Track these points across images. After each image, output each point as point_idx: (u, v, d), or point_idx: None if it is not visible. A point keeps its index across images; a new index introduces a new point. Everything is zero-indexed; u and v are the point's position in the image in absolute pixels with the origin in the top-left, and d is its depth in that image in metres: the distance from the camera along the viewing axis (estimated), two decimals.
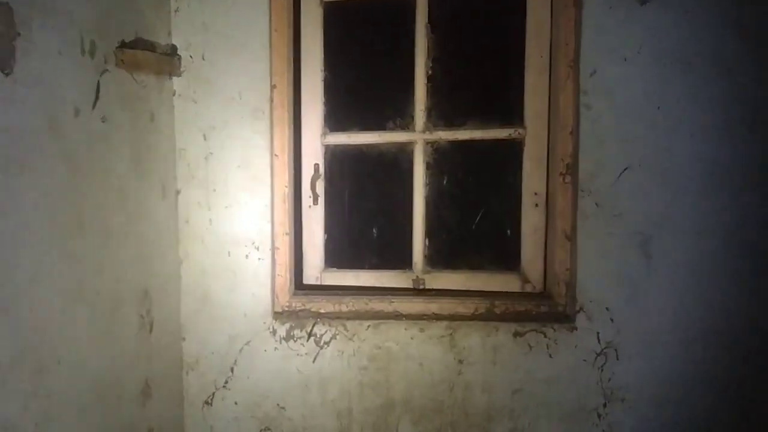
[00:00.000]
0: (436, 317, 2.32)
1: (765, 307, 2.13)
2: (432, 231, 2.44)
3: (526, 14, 2.31)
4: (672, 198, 2.16)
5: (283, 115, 2.34)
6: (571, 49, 2.21)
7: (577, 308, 2.24)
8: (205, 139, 2.32)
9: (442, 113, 2.42)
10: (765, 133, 2.10)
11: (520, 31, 2.33)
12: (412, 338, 2.33)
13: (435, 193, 2.44)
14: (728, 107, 2.11)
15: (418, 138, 2.41)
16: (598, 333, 2.23)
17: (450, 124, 2.41)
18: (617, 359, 2.22)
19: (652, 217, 2.17)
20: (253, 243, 2.34)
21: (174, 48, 2.28)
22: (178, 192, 2.35)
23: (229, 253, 2.35)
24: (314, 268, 2.50)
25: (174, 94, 2.31)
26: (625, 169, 2.19)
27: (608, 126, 2.19)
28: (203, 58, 2.30)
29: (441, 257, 2.45)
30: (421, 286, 2.44)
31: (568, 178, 2.24)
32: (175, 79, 2.30)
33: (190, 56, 2.30)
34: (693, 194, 2.14)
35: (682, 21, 2.12)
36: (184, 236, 2.35)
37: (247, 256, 2.34)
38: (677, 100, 2.14)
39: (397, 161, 2.46)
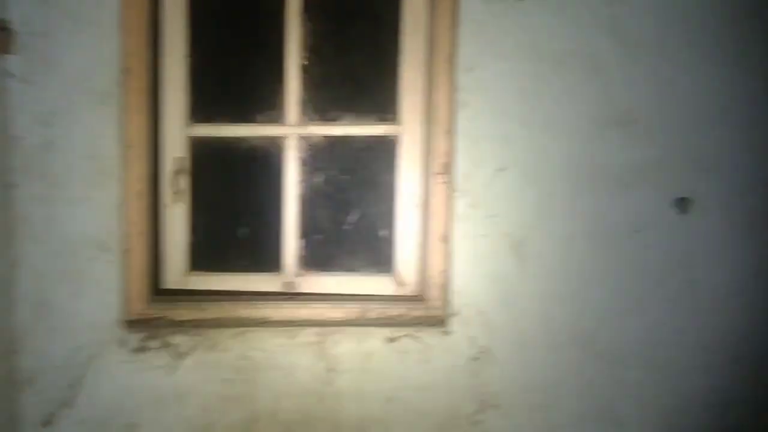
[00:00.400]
0: (307, 323, 2.18)
1: (632, 311, 2.14)
2: (305, 231, 2.29)
3: (403, 5, 2.21)
4: (545, 199, 2.13)
5: (138, 102, 2.11)
6: (447, 44, 2.14)
7: (452, 312, 2.16)
8: (45, 125, 2.05)
9: (318, 106, 2.27)
10: (636, 135, 2.11)
11: (397, 22, 2.23)
12: (280, 346, 2.17)
13: (309, 191, 2.29)
14: (601, 107, 2.11)
15: (291, 132, 2.25)
16: (472, 337, 2.16)
17: (325, 118, 2.27)
18: (491, 364, 2.16)
19: (526, 219, 2.13)
20: (101, 244, 2.10)
21: (4, 22, 2.00)
22: (11, 186, 2.06)
23: (72, 255, 2.09)
24: (176, 272, 2.28)
25: (7, 74, 2.03)
26: (500, 170, 2.13)
27: (484, 125, 2.13)
28: (43, 35, 2.03)
29: (315, 259, 2.31)
30: (294, 290, 2.28)
31: (443, 178, 2.17)
32: (8, 57, 2.02)
33: (28, 32, 2.03)
34: (565, 195, 2.12)
35: (557, 18, 2.10)
36: (19, 236, 2.07)
37: (93, 258, 2.10)
38: (552, 99, 2.11)
39: (269, 156, 2.29)
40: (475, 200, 2.14)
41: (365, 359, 2.17)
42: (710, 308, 2.12)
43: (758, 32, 2.09)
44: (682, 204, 2.08)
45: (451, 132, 2.14)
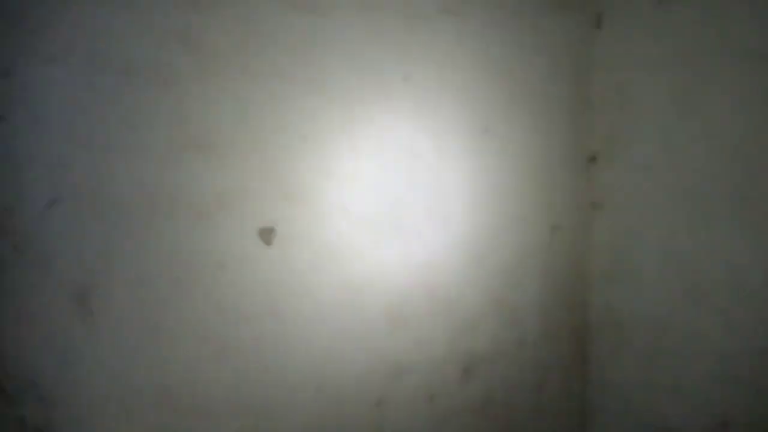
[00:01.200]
0: None
1: (220, 356, 1.91)
2: None
3: None
4: (113, 236, 1.76)
5: None
6: None
7: None
8: None
9: None
10: (216, 160, 1.88)
11: None
12: None
13: None
14: (176, 127, 1.83)
15: None
16: (23, 417, 1.68)
17: None
18: None
19: (92, 261, 1.73)
20: None
21: None
22: None
23: None
24: None
25: None
26: (53, 201, 1.70)
27: (30, 146, 1.68)
28: None
29: None
30: None
31: None
32: None
33: None
34: (138, 230, 1.78)
35: (122, 21, 1.75)
36: None
37: None
38: (119, 116, 1.76)
39: None
40: (21, 242, 1.67)
41: None
42: (295, 343, 2.04)
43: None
44: (266, 234, 1.95)
45: None
